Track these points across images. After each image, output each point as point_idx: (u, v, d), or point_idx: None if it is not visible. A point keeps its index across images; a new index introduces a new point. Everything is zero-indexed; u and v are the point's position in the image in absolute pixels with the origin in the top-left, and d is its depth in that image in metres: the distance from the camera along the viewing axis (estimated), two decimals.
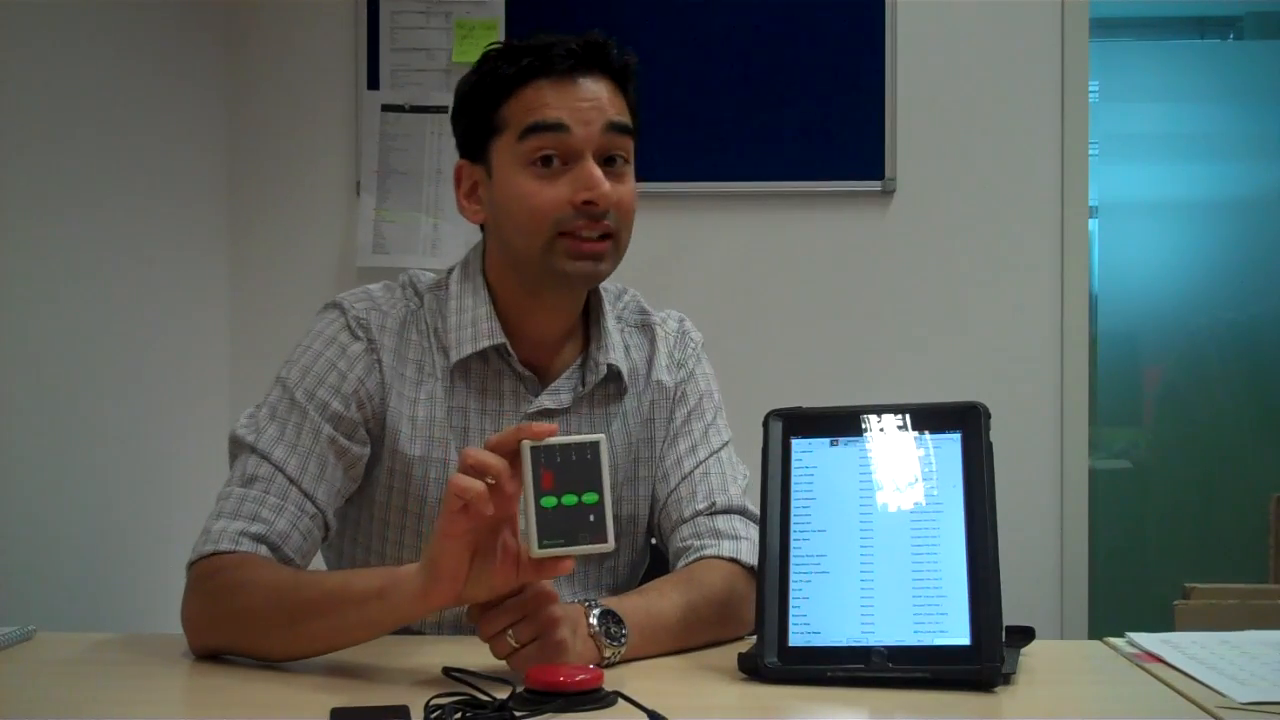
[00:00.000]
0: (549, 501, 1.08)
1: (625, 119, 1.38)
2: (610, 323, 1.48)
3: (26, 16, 2.02)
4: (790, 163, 2.75)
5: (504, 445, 1.11)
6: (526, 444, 1.08)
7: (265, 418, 1.37)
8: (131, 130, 2.36)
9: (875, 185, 2.75)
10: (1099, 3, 2.81)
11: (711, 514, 1.44)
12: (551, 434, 1.10)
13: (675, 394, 1.53)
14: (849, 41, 2.74)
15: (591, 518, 1.09)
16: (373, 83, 2.79)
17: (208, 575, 1.28)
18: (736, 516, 1.45)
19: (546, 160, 1.35)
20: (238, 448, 1.38)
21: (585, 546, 1.09)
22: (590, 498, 1.09)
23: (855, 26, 2.74)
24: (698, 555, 1.40)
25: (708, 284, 2.78)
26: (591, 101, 1.35)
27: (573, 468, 1.09)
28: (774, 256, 2.79)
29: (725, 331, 2.75)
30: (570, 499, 1.09)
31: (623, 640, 1.22)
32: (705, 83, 2.74)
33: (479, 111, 1.39)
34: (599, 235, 1.36)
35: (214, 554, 1.28)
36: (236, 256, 2.83)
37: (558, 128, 1.34)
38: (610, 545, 1.10)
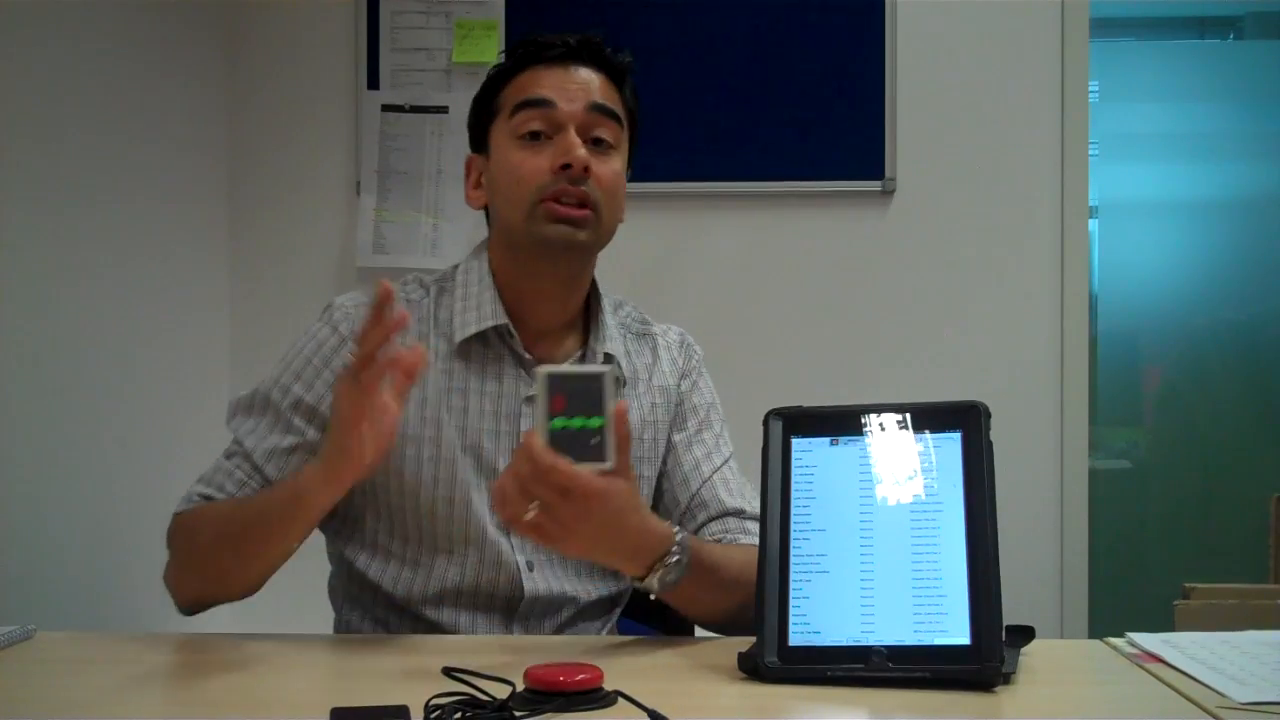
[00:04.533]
0: (558, 423, 1.17)
1: (612, 105, 1.47)
2: (609, 318, 1.53)
3: (26, 17, 2.02)
4: (790, 163, 2.75)
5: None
6: (543, 370, 1.18)
7: (244, 410, 1.46)
8: (131, 130, 2.36)
9: (875, 185, 2.75)
10: (1099, 3, 2.81)
11: (742, 517, 1.51)
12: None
13: (682, 402, 1.57)
14: (849, 41, 2.74)
15: (593, 441, 1.18)
16: (373, 83, 2.79)
17: (173, 533, 1.43)
18: None
19: (534, 135, 1.43)
20: (228, 422, 1.48)
21: (587, 464, 1.17)
22: (594, 422, 1.18)
23: (855, 26, 2.74)
24: (734, 541, 1.48)
25: (708, 284, 2.78)
26: (579, 84, 1.45)
27: (580, 395, 1.18)
28: (774, 256, 2.79)
29: (725, 331, 2.75)
30: (578, 422, 1.17)
31: (679, 571, 1.28)
32: (705, 83, 2.74)
33: (483, 102, 1.50)
34: (578, 203, 1.41)
35: (181, 513, 1.42)
36: (236, 256, 2.83)
37: (543, 103, 1.44)
38: (609, 465, 1.18)
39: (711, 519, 1.51)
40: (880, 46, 2.74)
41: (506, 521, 1.22)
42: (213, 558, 1.37)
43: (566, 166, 1.41)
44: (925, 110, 2.75)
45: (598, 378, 1.19)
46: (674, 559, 1.28)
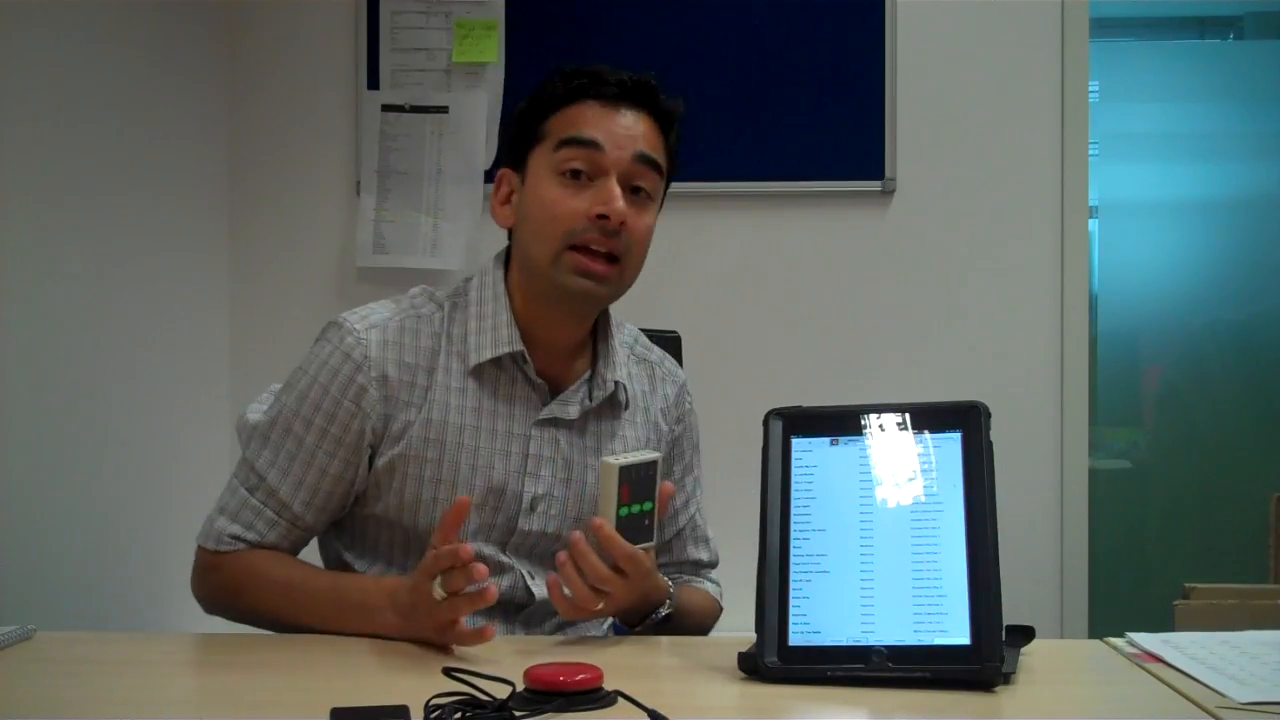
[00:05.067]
0: (624, 511, 1.29)
1: (657, 156, 1.45)
2: (616, 342, 1.54)
3: (27, 16, 2.02)
4: (790, 163, 2.75)
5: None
6: (614, 464, 1.27)
7: (260, 443, 1.44)
8: (132, 130, 2.36)
9: (875, 185, 2.75)
10: (1099, 3, 2.81)
11: (699, 567, 1.65)
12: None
13: (673, 446, 1.62)
14: (849, 41, 2.74)
15: (646, 522, 1.31)
16: (373, 83, 2.79)
17: (211, 568, 1.44)
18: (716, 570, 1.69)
19: (575, 174, 1.41)
20: (243, 447, 1.46)
21: (642, 544, 1.31)
22: (647, 506, 1.31)
23: (855, 26, 2.74)
24: (686, 582, 1.62)
25: (708, 284, 2.78)
26: (628, 130, 1.43)
27: (639, 482, 1.29)
28: (774, 256, 2.79)
29: (725, 331, 2.75)
30: (637, 508, 1.30)
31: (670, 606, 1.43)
32: (705, 83, 2.74)
33: (527, 122, 1.47)
34: (606, 254, 1.41)
35: (217, 553, 1.43)
36: (236, 256, 2.83)
37: (591, 144, 1.41)
38: (654, 543, 1.34)
39: (672, 563, 1.62)
40: (880, 46, 2.74)
41: (573, 616, 1.33)
42: (263, 620, 1.41)
43: (603, 217, 1.39)
44: (925, 110, 2.75)
45: (653, 464, 1.31)
46: (666, 611, 1.42)
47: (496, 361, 1.45)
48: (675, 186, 2.80)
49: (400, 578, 1.36)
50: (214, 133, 2.77)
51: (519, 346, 1.44)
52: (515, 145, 1.49)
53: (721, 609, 1.64)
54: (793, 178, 2.76)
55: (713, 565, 1.67)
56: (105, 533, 2.23)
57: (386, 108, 2.78)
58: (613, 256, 1.41)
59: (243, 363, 2.79)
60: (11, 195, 1.98)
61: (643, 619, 1.41)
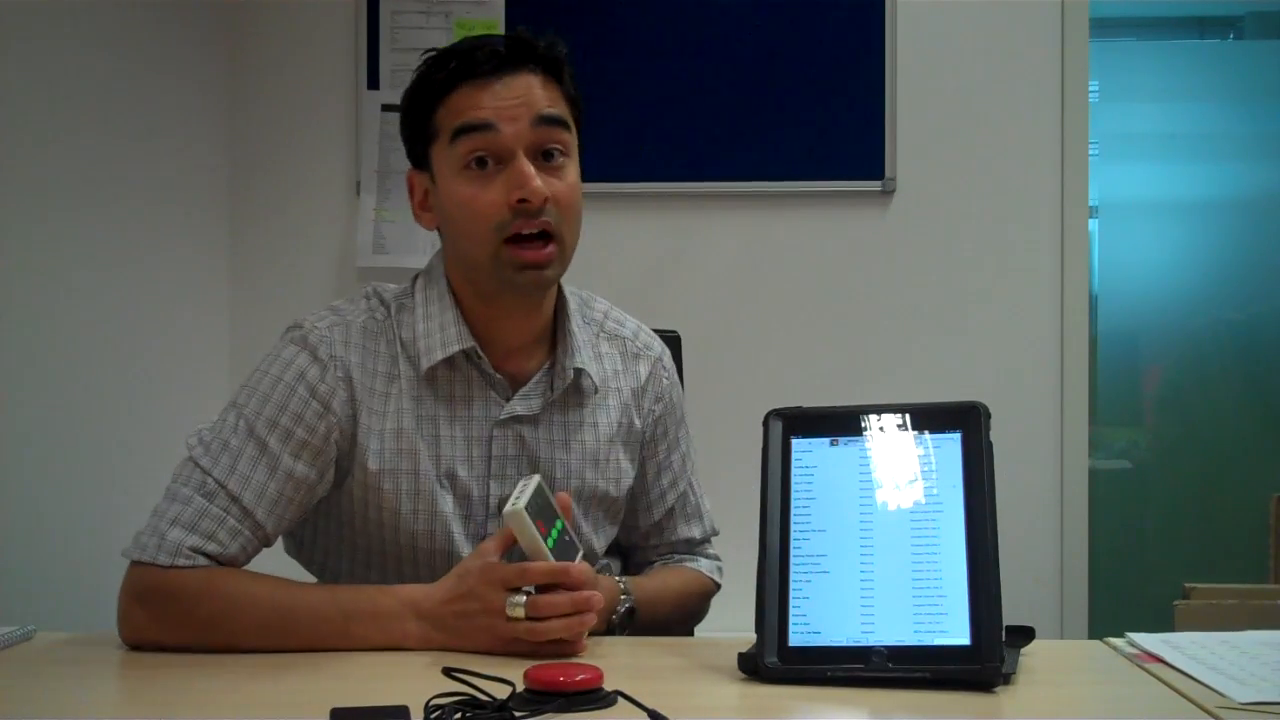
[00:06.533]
0: (550, 543, 1.26)
1: (556, 110, 1.38)
2: (576, 325, 1.47)
3: (27, 17, 2.02)
4: (790, 163, 2.75)
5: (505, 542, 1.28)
6: (516, 511, 1.23)
7: (218, 448, 1.34)
8: (132, 130, 2.36)
9: (875, 185, 2.75)
10: (1099, 3, 2.81)
11: (691, 545, 1.61)
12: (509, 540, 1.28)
13: (655, 425, 1.56)
14: (849, 41, 2.74)
15: (567, 538, 1.30)
16: (373, 83, 2.79)
17: (171, 592, 1.28)
18: (712, 543, 1.65)
19: (481, 162, 1.36)
20: (195, 458, 1.35)
21: (578, 560, 1.30)
22: (560, 524, 1.30)
23: (855, 26, 2.74)
24: (679, 562, 1.60)
25: (708, 284, 2.78)
26: (518, 99, 1.35)
27: (541, 510, 1.27)
28: (774, 256, 2.79)
29: (725, 331, 2.75)
30: (554, 533, 1.28)
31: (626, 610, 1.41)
32: (706, 82, 2.74)
33: (416, 119, 1.41)
34: (540, 235, 1.35)
35: (170, 567, 1.28)
36: (236, 256, 2.83)
37: (485, 127, 1.34)
38: (582, 550, 1.34)
39: (664, 544, 1.60)
40: (880, 46, 2.74)
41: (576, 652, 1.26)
42: (237, 646, 1.28)
43: (524, 201, 1.33)
44: (925, 110, 2.75)
45: (540, 488, 1.28)
46: (625, 606, 1.40)
47: (449, 363, 1.40)
48: (675, 186, 2.82)
49: (417, 586, 1.30)
50: (214, 133, 2.77)
51: (469, 343, 1.39)
52: (412, 144, 1.43)
53: (718, 584, 1.61)
54: (793, 178, 2.76)
55: (708, 539, 1.63)
56: (105, 533, 2.23)
57: (386, 108, 2.78)
58: (546, 234, 1.36)
59: (243, 363, 2.79)
60: (12, 196, 1.98)
61: (608, 623, 1.37)
